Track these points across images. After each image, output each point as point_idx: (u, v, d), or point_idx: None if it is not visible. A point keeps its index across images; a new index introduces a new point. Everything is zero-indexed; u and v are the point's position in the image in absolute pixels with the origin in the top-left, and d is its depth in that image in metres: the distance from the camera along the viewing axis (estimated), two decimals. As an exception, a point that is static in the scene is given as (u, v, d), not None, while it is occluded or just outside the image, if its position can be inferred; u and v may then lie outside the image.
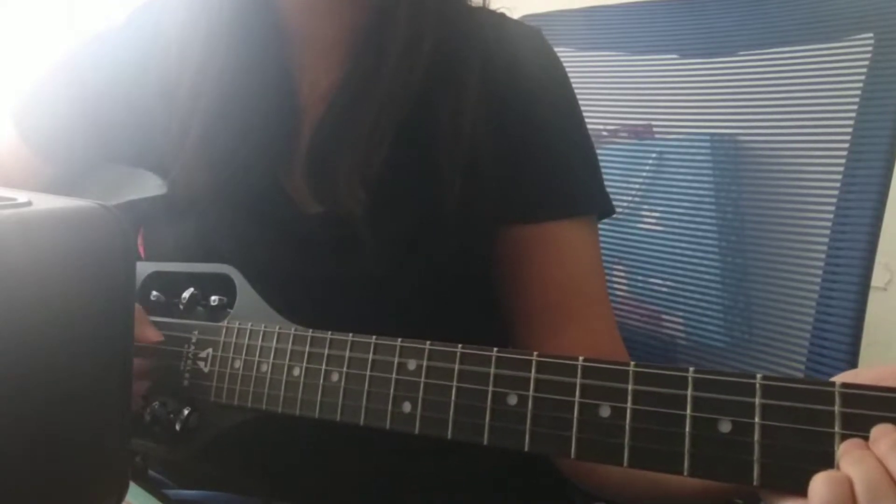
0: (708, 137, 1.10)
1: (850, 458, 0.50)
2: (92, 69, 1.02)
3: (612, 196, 1.09)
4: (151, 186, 0.94)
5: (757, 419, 0.54)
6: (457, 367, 0.66)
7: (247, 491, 0.92)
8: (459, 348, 0.66)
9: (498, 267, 0.94)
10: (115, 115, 0.99)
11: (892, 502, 0.48)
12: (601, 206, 0.95)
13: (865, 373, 0.56)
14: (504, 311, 0.96)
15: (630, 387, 0.59)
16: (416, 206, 0.89)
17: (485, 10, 0.96)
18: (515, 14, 1.04)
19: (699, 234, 1.09)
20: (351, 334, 0.73)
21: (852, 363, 0.92)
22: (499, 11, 0.97)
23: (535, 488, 0.97)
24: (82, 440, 0.59)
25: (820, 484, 0.50)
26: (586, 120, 0.97)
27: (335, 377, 0.72)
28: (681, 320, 1.12)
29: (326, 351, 0.73)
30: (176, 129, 0.91)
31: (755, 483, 0.54)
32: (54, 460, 0.57)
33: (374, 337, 0.71)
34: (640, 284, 1.16)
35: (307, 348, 0.75)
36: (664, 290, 1.13)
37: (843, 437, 0.51)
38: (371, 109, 0.86)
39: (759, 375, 0.55)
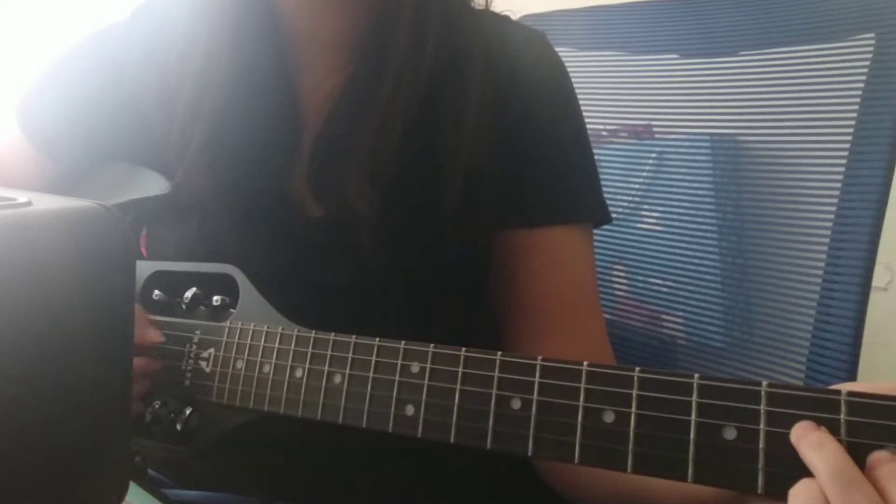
0: (708, 137, 1.10)
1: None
2: (94, 67, 1.01)
3: (612, 196, 1.09)
4: (154, 186, 0.94)
5: (762, 426, 0.54)
6: (460, 370, 0.66)
7: (247, 491, 0.92)
8: (463, 351, 0.66)
9: (493, 271, 0.94)
10: (116, 115, 0.99)
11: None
12: (598, 215, 0.95)
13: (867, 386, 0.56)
14: (497, 315, 0.96)
15: (634, 392, 0.59)
16: (417, 209, 0.89)
17: (488, 13, 0.96)
18: (515, 14, 1.03)
19: (699, 234, 1.09)
20: (354, 336, 0.73)
21: (853, 363, 0.92)
22: (503, 14, 0.97)
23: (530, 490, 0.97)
24: (82, 440, 0.59)
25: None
26: (586, 120, 0.97)
27: (338, 379, 0.72)
28: (681, 320, 1.12)
29: (329, 353, 0.73)
30: (177, 135, 0.91)
31: (760, 491, 0.54)
32: (54, 460, 0.57)
33: (377, 339, 0.71)
34: (640, 284, 1.16)
35: (310, 350, 0.75)
36: (664, 290, 1.13)
37: (849, 446, 0.52)
38: (377, 111, 0.86)
39: (764, 383, 0.55)
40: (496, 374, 0.64)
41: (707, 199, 1.09)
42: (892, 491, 0.49)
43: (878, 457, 0.51)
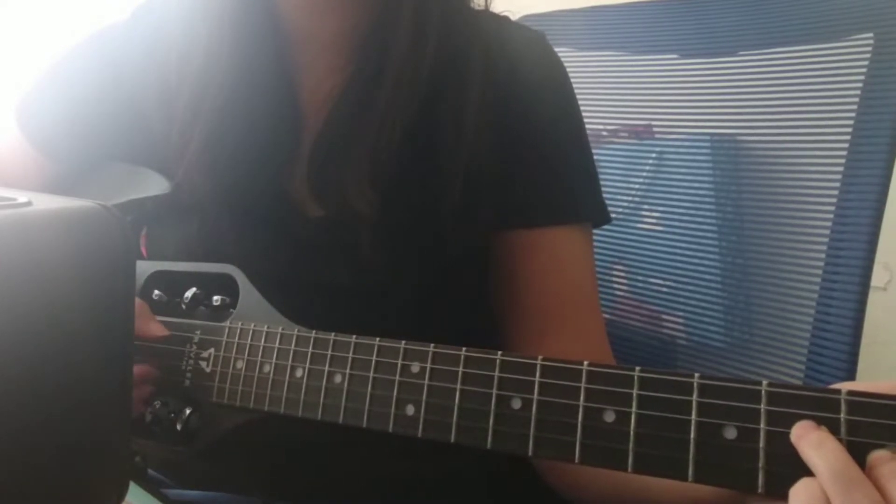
0: (708, 137, 1.10)
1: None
2: (94, 67, 1.01)
3: (611, 196, 1.09)
4: (154, 186, 0.94)
5: (762, 426, 0.54)
6: (461, 370, 0.66)
7: (247, 491, 0.92)
8: (463, 351, 0.66)
9: (493, 271, 0.94)
10: (116, 115, 0.99)
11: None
12: (597, 215, 0.95)
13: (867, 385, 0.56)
14: (497, 315, 0.96)
15: (635, 392, 0.59)
16: (417, 209, 0.89)
17: (487, 14, 0.96)
18: (516, 14, 1.03)
19: (699, 234, 1.09)
20: (354, 336, 0.73)
21: (852, 363, 0.92)
22: (502, 15, 0.97)
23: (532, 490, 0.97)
24: (82, 440, 0.59)
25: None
26: (586, 120, 0.97)
27: (338, 379, 0.72)
28: (681, 320, 1.12)
29: (329, 352, 0.73)
30: (177, 135, 0.91)
31: (760, 490, 0.54)
32: (54, 460, 0.57)
33: (377, 339, 0.71)
34: (640, 284, 1.16)
35: (310, 349, 0.75)
36: (664, 290, 1.13)
37: (849, 445, 0.52)
38: (377, 112, 0.86)
39: (764, 382, 0.55)
40: (496, 373, 0.64)
41: (707, 199, 1.09)
42: (893, 490, 0.49)
43: (878, 456, 0.51)
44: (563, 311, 0.92)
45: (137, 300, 0.85)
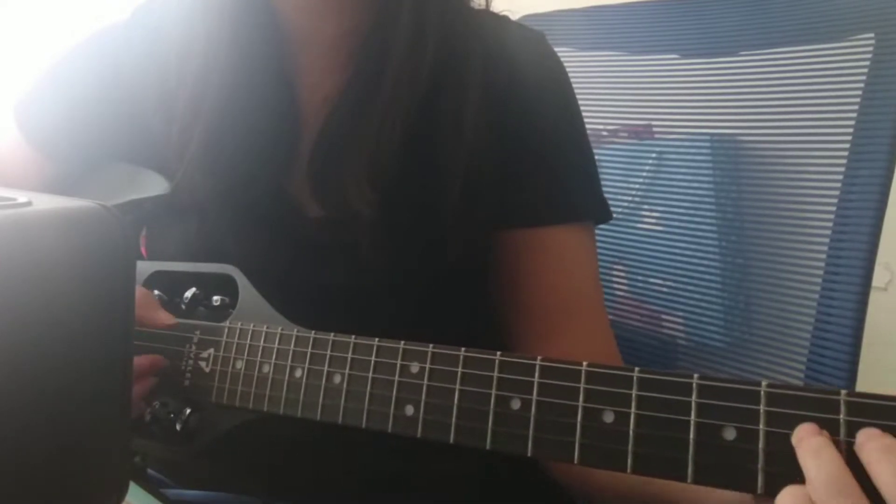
0: (708, 137, 1.10)
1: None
2: (94, 67, 1.01)
3: (612, 196, 1.09)
4: (154, 186, 0.94)
5: (762, 427, 0.54)
6: (460, 370, 0.66)
7: (247, 491, 0.92)
8: (462, 351, 0.66)
9: (495, 271, 0.94)
10: (116, 115, 0.99)
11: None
12: (598, 213, 0.95)
13: None
14: (500, 315, 0.95)
15: (634, 392, 0.59)
16: (417, 209, 0.89)
17: (487, 13, 0.96)
18: (516, 14, 1.03)
19: (699, 234, 1.09)
20: (353, 336, 0.72)
21: (853, 363, 0.92)
22: (501, 14, 0.97)
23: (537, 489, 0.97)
24: (82, 440, 0.59)
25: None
26: (586, 120, 0.97)
27: (337, 379, 0.72)
28: (681, 320, 1.12)
29: (329, 353, 0.73)
30: (176, 136, 0.91)
31: (759, 492, 0.54)
32: (54, 460, 0.57)
33: (376, 339, 0.71)
34: (640, 284, 1.16)
35: (309, 349, 0.75)
36: (664, 290, 1.13)
37: (849, 446, 0.51)
38: (377, 112, 0.86)
39: (764, 383, 0.55)
40: (495, 374, 0.64)
41: (707, 199, 1.09)
42: (880, 472, 0.48)
43: (867, 432, 0.50)
44: (567, 310, 0.92)
45: (141, 289, 0.86)
